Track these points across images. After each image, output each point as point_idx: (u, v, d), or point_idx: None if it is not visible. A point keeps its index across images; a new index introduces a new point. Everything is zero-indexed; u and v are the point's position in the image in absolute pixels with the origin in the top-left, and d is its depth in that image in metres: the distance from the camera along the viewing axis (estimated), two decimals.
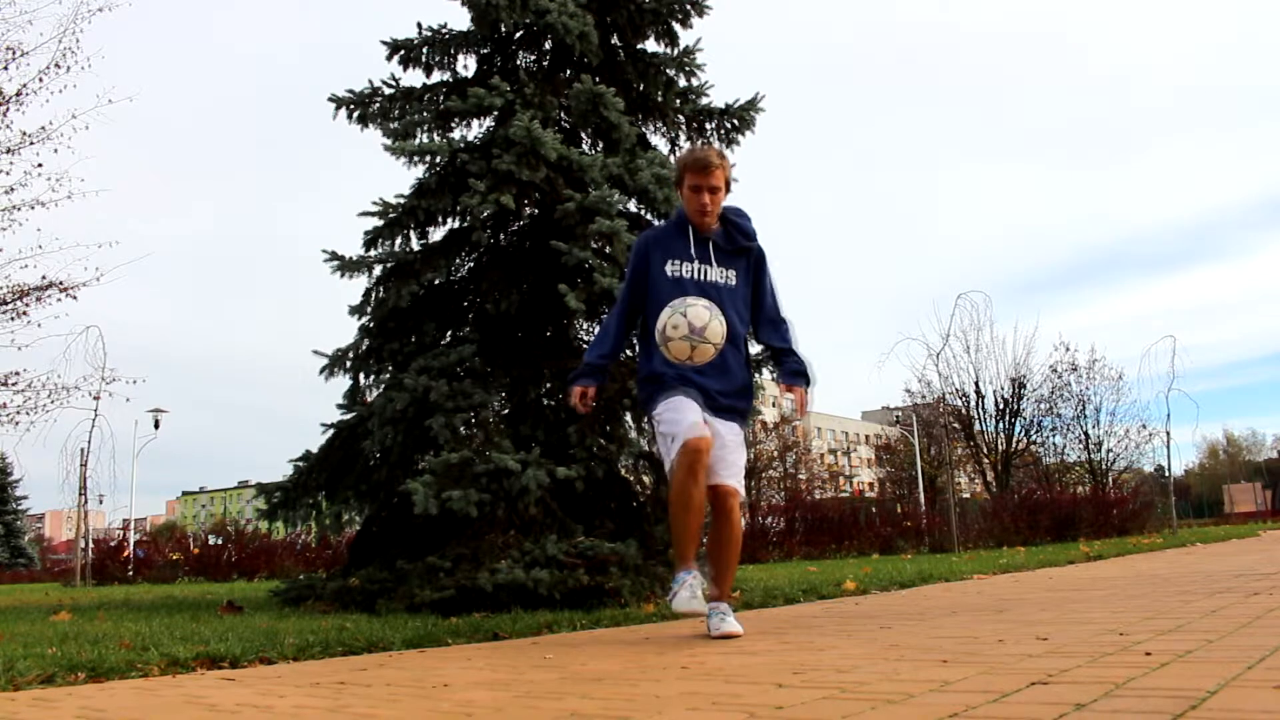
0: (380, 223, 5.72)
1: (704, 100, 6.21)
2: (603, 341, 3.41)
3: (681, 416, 3.09)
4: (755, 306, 3.38)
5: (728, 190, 3.30)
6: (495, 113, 5.70)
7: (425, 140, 5.71)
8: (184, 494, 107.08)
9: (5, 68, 11.31)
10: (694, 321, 3.05)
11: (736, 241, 3.32)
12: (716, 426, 3.18)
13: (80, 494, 16.37)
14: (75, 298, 11.56)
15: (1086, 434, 26.86)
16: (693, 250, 3.27)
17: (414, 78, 6.28)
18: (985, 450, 26.64)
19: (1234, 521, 29.99)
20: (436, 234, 5.90)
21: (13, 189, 11.36)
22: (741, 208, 3.41)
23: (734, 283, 3.28)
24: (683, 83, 6.22)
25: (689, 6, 6.24)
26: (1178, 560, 7.05)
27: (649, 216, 5.78)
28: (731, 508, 3.15)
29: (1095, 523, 15.24)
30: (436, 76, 6.31)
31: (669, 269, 3.25)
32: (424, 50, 6.28)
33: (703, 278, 3.23)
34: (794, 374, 3.34)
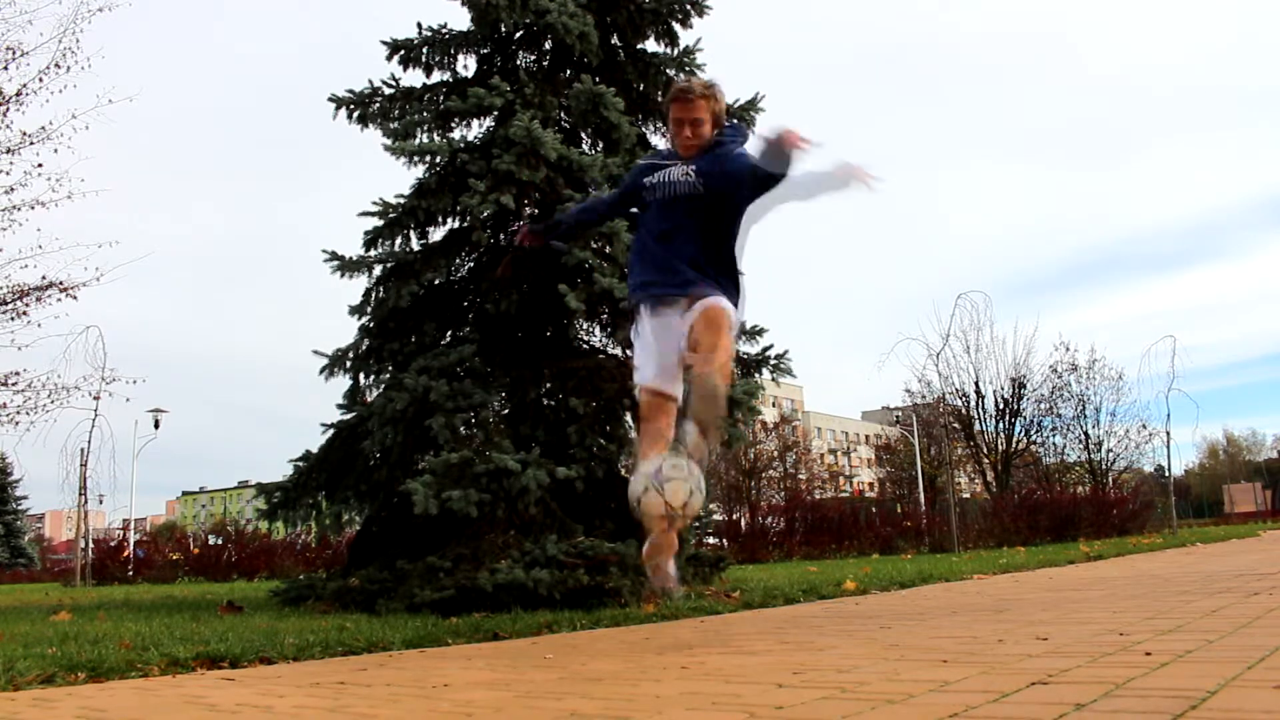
0: (380, 223, 5.72)
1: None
2: (583, 209, 3.62)
3: (642, 363, 3.06)
4: (757, 175, 3.13)
5: (717, 125, 3.20)
6: (495, 113, 5.70)
7: (425, 140, 5.71)
8: (184, 494, 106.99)
9: (5, 68, 11.30)
10: (671, 500, 2.76)
11: (709, 154, 3.20)
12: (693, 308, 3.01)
13: (80, 494, 16.36)
14: (75, 298, 11.55)
15: (1086, 434, 26.91)
16: (672, 163, 3.21)
17: (414, 78, 6.29)
18: (985, 450, 26.64)
19: (1234, 521, 30.00)
20: (436, 234, 5.91)
21: (13, 189, 11.35)
22: (734, 124, 3.32)
23: (701, 190, 3.11)
24: None
25: (689, 6, 6.24)
26: (1178, 560, 7.05)
27: None
28: (700, 374, 2.85)
29: (1095, 523, 15.24)
30: (436, 76, 6.31)
31: (646, 181, 3.21)
32: (424, 50, 6.28)
33: (670, 182, 3.15)
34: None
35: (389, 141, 5.63)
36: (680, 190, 3.16)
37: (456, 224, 5.82)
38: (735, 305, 3.16)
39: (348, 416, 5.82)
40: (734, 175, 3.15)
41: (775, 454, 42.15)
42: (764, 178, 3.12)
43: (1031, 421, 26.48)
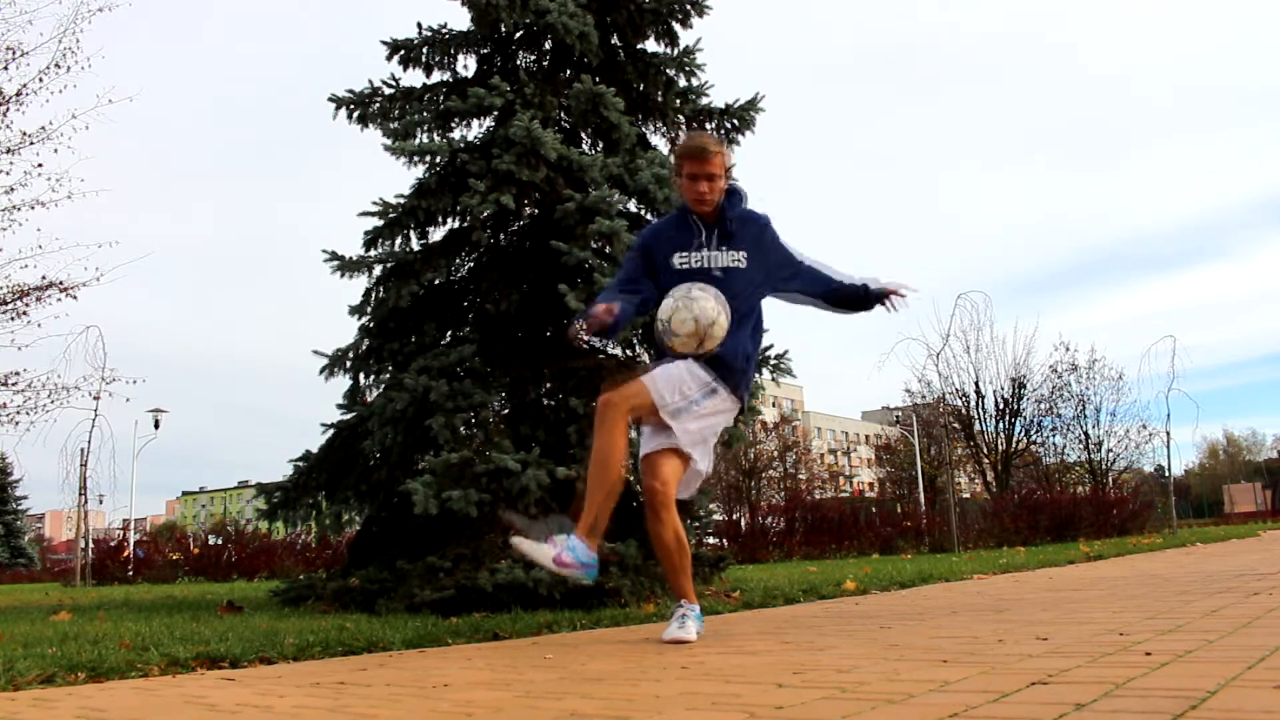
0: (380, 223, 5.72)
1: (704, 100, 6.21)
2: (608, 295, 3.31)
3: (644, 441, 3.18)
4: (792, 272, 3.34)
5: (727, 177, 3.26)
6: (495, 113, 5.70)
7: (425, 140, 5.71)
8: (184, 494, 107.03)
9: (5, 68, 11.32)
10: (701, 318, 3.02)
11: (735, 224, 3.27)
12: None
13: (80, 494, 16.37)
14: (75, 298, 11.57)
15: (1086, 434, 26.92)
16: (700, 238, 3.25)
17: (414, 78, 6.29)
18: (985, 450, 26.64)
19: (1234, 521, 30.00)
20: (436, 234, 5.90)
21: (13, 189, 11.37)
22: (736, 185, 3.34)
23: (744, 264, 3.23)
24: (683, 83, 6.22)
25: (689, 6, 6.23)
26: (1178, 560, 7.05)
27: (649, 216, 5.77)
28: (657, 506, 3.06)
29: (1095, 523, 15.25)
30: (436, 76, 6.31)
31: (678, 261, 3.23)
32: (424, 50, 6.28)
33: (713, 265, 3.21)
34: (871, 296, 3.40)
35: (389, 141, 5.62)
36: (720, 263, 3.22)
37: (456, 224, 5.82)
38: (752, 349, 3.29)
39: (348, 416, 5.82)
40: (775, 264, 3.31)
41: (775, 454, 42.17)
42: (795, 274, 3.34)
43: (1031, 421, 26.51)
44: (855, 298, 3.41)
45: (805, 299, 3.43)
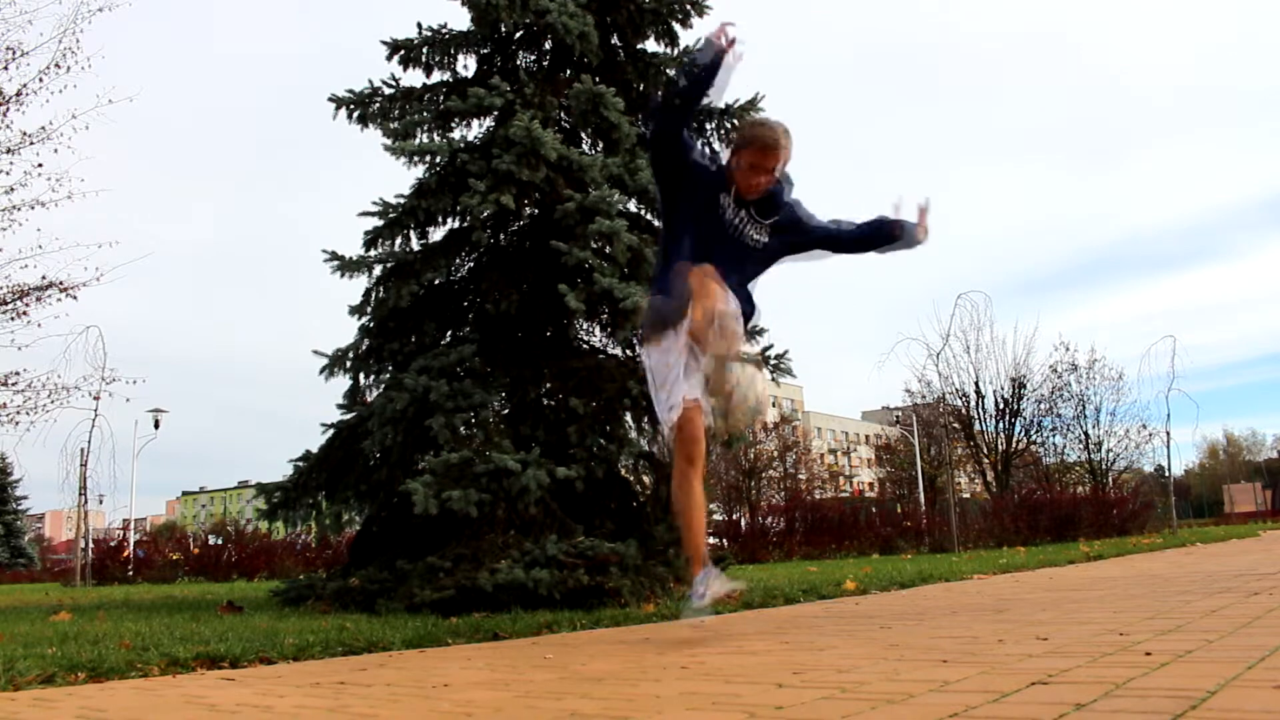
0: (380, 223, 5.72)
1: (704, 100, 6.19)
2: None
3: (674, 384, 3.12)
4: (818, 236, 3.44)
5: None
6: (495, 113, 5.70)
7: (425, 140, 5.71)
8: (184, 494, 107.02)
9: (5, 68, 11.32)
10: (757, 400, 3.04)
11: (772, 209, 3.32)
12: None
13: (80, 494, 16.39)
14: (75, 298, 11.58)
15: (1086, 434, 26.90)
16: (733, 207, 3.26)
17: (414, 78, 6.30)
18: (985, 450, 26.64)
19: (1234, 521, 30.00)
20: (436, 234, 5.91)
21: (13, 189, 11.38)
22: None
23: (765, 240, 3.31)
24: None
25: (689, 6, 6.24)
26: (1178, 560, 7.04)
27: (649, 216, 5.78)
28: (696, 459, 3.09)
29: (1095, 523, 15.25)
30: (436, 76, 6.31)
31: (720, 211, 3.23)
32: (424, 50, 6.28)
33: (744, 236, 3.26)
34: (890, 225, 3.49)
35: (389, 141, 5.63)
36: (746, 236, 3.27)
37: (456, 224, 5.82)
38: (750, 309, 3.35)
39: (348, 416, 5.83)
40: (799, 239, 3.39)
41: (775, 454, 42.13)
42: (825, 238, 3.45)
43: (1031, 421, 26.50)
44: (877, 234, 3.51)
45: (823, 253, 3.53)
